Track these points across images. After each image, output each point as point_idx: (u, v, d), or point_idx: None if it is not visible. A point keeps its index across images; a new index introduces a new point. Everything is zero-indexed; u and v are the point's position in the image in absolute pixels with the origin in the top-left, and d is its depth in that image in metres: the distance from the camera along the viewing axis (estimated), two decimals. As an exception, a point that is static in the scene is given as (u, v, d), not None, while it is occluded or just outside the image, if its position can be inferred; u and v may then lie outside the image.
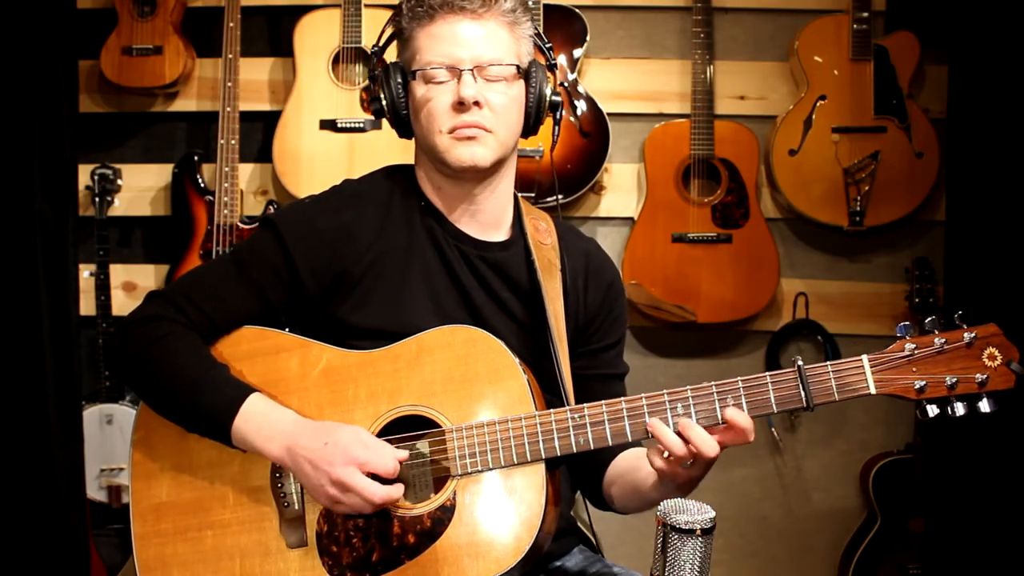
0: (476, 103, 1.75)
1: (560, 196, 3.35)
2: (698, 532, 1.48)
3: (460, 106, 1.75)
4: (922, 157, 3.37)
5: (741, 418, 1.61)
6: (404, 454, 1.67)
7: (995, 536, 3.03)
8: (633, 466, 1.81)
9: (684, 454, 1.60)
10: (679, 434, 1.61)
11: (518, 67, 1.80)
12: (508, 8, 1.79)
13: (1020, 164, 2.98)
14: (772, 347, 3.54)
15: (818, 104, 3.38)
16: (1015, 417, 2.90)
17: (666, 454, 1.62)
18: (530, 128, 1.86)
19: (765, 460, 3.62)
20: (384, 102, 1.84)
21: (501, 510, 1.66)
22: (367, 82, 3.33)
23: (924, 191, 3.39)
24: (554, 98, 1.85)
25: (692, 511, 1.50)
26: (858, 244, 3.55)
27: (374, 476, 1.64)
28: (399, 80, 1.82)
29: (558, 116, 1.89)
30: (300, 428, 1.69)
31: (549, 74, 1.86)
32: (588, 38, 3.39)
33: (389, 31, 1.87)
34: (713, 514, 1.51)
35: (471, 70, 1.75)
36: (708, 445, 1.60)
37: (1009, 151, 3.00)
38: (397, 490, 1.65)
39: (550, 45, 1.91)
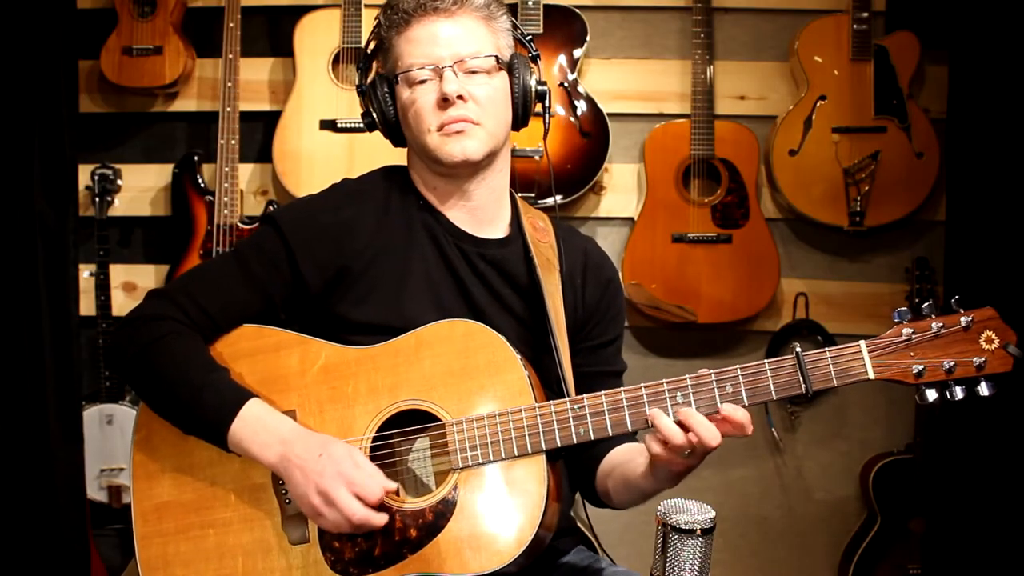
0: (460, 97, 1.77)
1: (560, 196, 3.35)
2: (698, 532, 1.49)
3: (444, 102, 1.77)
4: (922, 157, 3.37)
5: (739, 413, 1.61)
6: (393, 485, 1.66)
7: (995, 536, 3.02)
8: (626, 459, 1.82)
9: (683, 443, 1.60)
10: (680, 423, 1.60)
11: (497, 58, 1.82)
12: (481, 3, 1.82)
13: (1020, 164, 2.98)
14: (772, 347, 3.53)
15: (818, 104, 3.38)
16: (1015, 417, 2.90)
17: (665, 443, 1.62)
18: (519, 120, 1.87)
19: (765, 460, 3.62)
20: (374, 114, 1.87)
21: (502, 502, 1.66)
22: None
23: (924, 191, 3.40)
24: (539, 88, 1.87)
25: (692, 511, 1.51)
26: (858, 244, 3.55)
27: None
28: (385, 90, 1.84)
29: (546, 104, 1.90)
30: (296, 436, 1.68)
31: (532, 65, 1.88)
32: (588, 38, 3.39)
33: (372, 44, 1.90)
34: (713, 514, 1.51)
35: (451, 66, 1.78)
36: (710, 434, 1.59)
37: (1009, 151, 3.00)
38: (380, 518, 1.64)
39: (530, 37, 1.93)
